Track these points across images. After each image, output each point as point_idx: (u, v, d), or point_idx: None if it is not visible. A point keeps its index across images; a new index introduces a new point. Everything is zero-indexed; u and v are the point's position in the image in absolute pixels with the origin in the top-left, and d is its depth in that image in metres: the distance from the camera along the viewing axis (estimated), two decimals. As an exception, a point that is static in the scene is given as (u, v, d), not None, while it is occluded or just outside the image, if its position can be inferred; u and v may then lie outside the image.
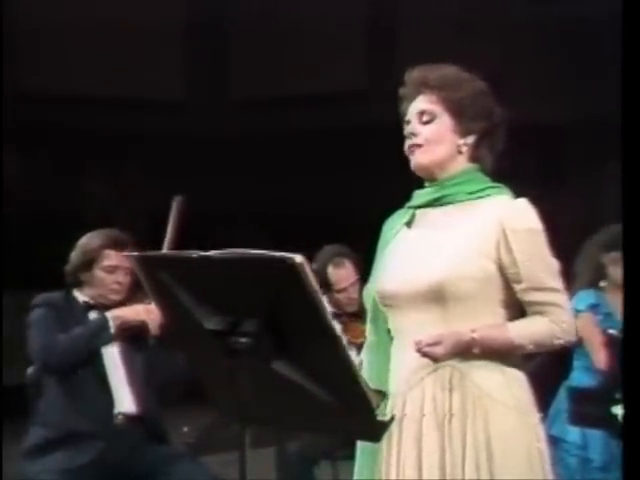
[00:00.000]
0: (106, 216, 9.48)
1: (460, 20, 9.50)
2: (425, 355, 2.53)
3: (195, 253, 2.29)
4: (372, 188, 9.41)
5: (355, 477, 2.73)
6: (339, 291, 4.71)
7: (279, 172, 10.11)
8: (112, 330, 3.84)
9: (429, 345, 2.52)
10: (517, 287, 2.59)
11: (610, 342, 4.13)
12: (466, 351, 2.55)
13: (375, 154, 9.37)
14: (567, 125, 9.33)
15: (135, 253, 2.49)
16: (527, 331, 2.58)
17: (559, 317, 2.58)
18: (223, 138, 10.32)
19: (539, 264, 2.58)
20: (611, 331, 4.14)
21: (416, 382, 2.60)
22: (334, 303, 4.74)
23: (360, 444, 2.70)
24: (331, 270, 4.72)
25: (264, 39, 10.57)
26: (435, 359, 2.53)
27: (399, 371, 2.65)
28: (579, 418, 4.05)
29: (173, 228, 3.73)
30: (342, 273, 4.71)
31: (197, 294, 2.33)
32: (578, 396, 4.09)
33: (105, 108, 10.24)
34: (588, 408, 3.97)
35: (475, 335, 2.54)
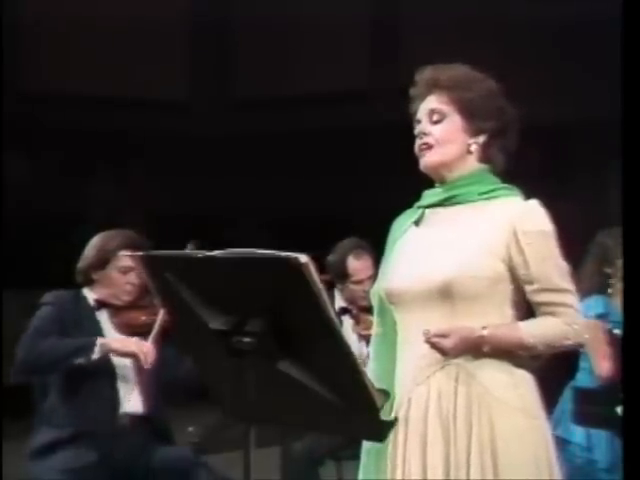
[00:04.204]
0: (110, 216, 9.49)
1: (461, 20, 9.49)
2: (433, 346, 2.53)
3: (200, 253, 2.29)
4: (375, 188, 9.42)
5: (360, 477, 2.72)
6: (356, 282, 4.73)
7: (283, 172, 10.11)
8: (95, 355, 3.78)
9: (437, 336, 2.52)
10: (528, 288, 2.60)
11: (614, 343, 4.12)
12: (475, 348, 2.55)
13: (380, 154, 9.38)
14: (567, 125, 9.32)
15: (140, 253, 2.50)
16: (538, 331, 2.59)
17: (571, 318, 2.59)
18: (227, 138, 10.33)
19: (551, 265, 2.60)
20: (616, 331, 4.14)
21: (422, 380, 2.60)
22: (348, 295, 4.76)
23: (365, 444, 2.70)
24: (351, 260, 4.75)
25: (268, 40, 10.58)
26: (443, 352, 2.54)
27: (405, 369, 2.65)
28: (583, 418, 4.04)
29: None
30: (361, 264, 4.74)
31: (202, 294, 2.33)
32: (582, 396, 4.08)
33: (109, 108, 10.24)
34: (592, 408, 3.97)
35: (485, 332, 2.54)
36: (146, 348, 3.81)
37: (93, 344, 3.79)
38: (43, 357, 3.78)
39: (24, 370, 3.87)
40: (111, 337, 3.91)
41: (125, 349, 3.83)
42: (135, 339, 3.85)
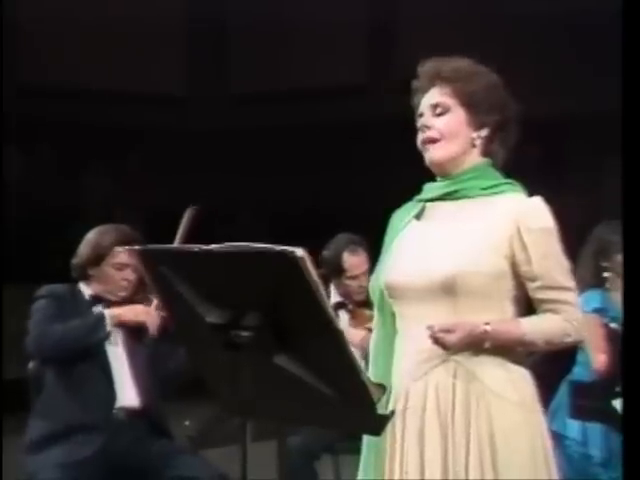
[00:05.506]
0: (107, 211, 9.49)
1: (461, 14, 9.49)
2: (436, 342, 2.52)
3: (197, 247, 2.29)
4: (373, 183, 9.42)
5: (360, 472, 2.73)
6: (352, 278, 4.73)
7: (280, 167, 10.12)
8: (108, 328, 3.83)
9: (442, 331, 2.51)
10: (531, 285, 2.60)
11: (611, 336, 4.13)
12: (477, 343, 2.55)
13: (379, 149, 9.38)
14: (569, 121, 9.32)
15: (137, 247, 2.50)
16: (540, 327, 2.59)
17: (572, 315, 2.60)
18: (224, 133, 10.33)
19: (553, 263, 2.60)
20: (612, 325, 4.14)
21: (420, 375, 2.60)
22: (344, 290, 4.76)
23: (366, 440, 2.70)
24: (346, 256, 4.75)
25: (264, 35, 10.57)
26: (446, 347, 2.53)
27: (403, 363, 2.65)
28: (579, 411, 4.04)
29: (182, 237, 3.72)
30: (356, 260, 4.73)
31: (199, 288, 2.32)
32: (578, 389, 4.08)
33: (107, 103, 10.25)
34: (588, 401, 3.97)
35: (488, 327, 2.54)
36: (151, 316, 3.83)
37: (103, 318, 3.83)
38: (58, 345, 3.78)
39: (40, 358, 3.88)
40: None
41: (136, 318, 3.87)
42: (141, 306, 3.87)
